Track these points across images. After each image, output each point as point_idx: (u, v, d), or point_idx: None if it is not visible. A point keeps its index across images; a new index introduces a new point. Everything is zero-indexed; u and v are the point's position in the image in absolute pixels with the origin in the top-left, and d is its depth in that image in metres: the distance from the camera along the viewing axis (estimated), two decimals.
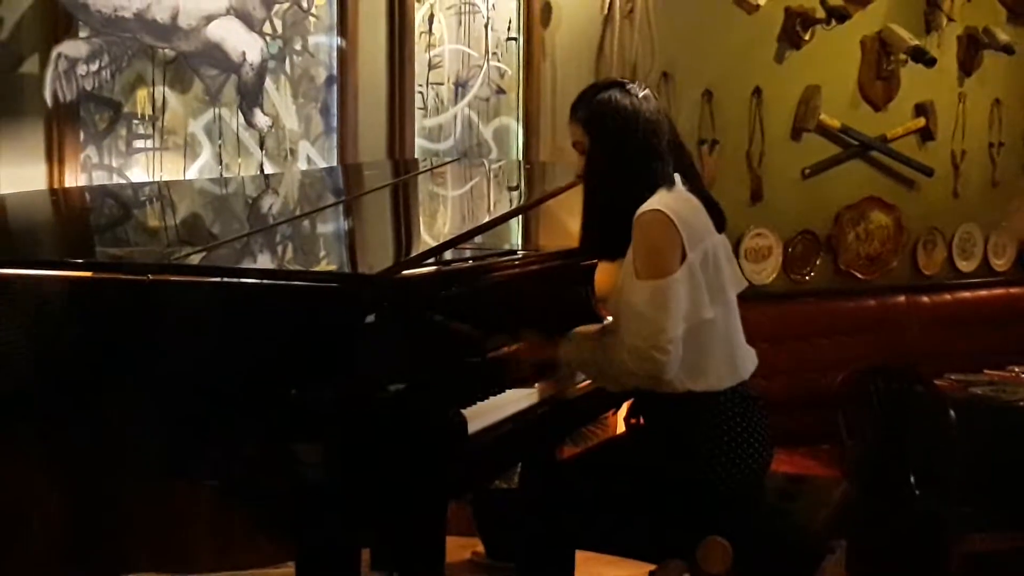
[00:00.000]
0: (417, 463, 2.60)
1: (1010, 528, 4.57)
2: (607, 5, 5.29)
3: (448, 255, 3.42)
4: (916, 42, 6.12)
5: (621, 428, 4.46)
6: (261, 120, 4.42)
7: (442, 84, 4.97)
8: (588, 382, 3.39)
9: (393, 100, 4.75)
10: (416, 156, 4.81)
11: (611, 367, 3.13)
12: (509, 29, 5.14)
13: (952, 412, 4.70)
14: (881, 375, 5.02)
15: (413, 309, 2.94)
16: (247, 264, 3.12)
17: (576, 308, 3.83)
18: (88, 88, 4.02)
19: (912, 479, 4.69)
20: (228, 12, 4.25)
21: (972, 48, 6.54)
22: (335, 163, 4.65)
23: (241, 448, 2.65)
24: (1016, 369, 5.46)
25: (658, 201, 3.10)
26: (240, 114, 4.39)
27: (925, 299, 6.19)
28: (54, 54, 3.93)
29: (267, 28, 4.43)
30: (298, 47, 4.56)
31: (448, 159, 4.83)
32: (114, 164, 4.16)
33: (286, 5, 4.48)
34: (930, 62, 6.11)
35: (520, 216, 4.69)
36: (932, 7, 6.36)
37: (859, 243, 6.26)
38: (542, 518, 3.28)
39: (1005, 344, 5.88)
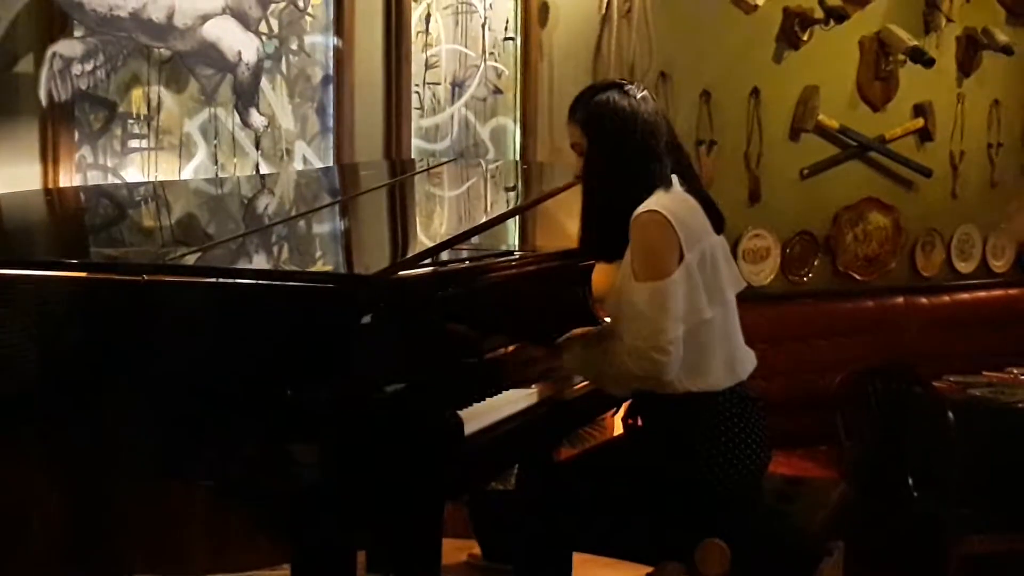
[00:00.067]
0: (413, 464, 2.59)
1: (1008, 530, 4.57)
2: (605, 5, 5.28)
3: (445, 256, 3.42)
4: (915, 42, 6.12)
5: (619, 430, 4.46)
6: (257, 120, 4.40)
7: (439, 84, 4.96)
8: (586, 383, 3.38)
9: (390, 100, 4.74)
10: (413, 156, 4.80)
11: (612, 369, 3.13)
12: (506, 29, 5.13)
13: (950, 413, 4.69)
14: (879, 376, 5.02)
15: (409, 310, 2.93)
16: (243, 264, 3.11)
17: (573, 309, 3.82)
18: (83, 88, 4.00)
19: (910, 481, 4.68)
20: (224, 11, 4.23)
21: (971, 49, 6.54)
22: (331, 163, 4.64)
23: (237, 449, 2.64)
24: (1015, 371, 5.45)
25: (655, 202, 3.10)
26: (236, 114, 4.37)
27: (923, 300, 6.18)
28: (49, 53, 3.91)
29: (263, 27, 4.42)
30: (294, 47, 4.55)
31: (445, 159, 4.82)
32: (109, 164, 4.14)
33: (282, 4, 4.46)
34: (929, 63, 6.11)
35: (517, 217, 4.69)
36: (931, 8, 6.36)
37: (857, 244, 6.25)
38: (539, 520, 3.27)
39: (1004, 345, 5.88)
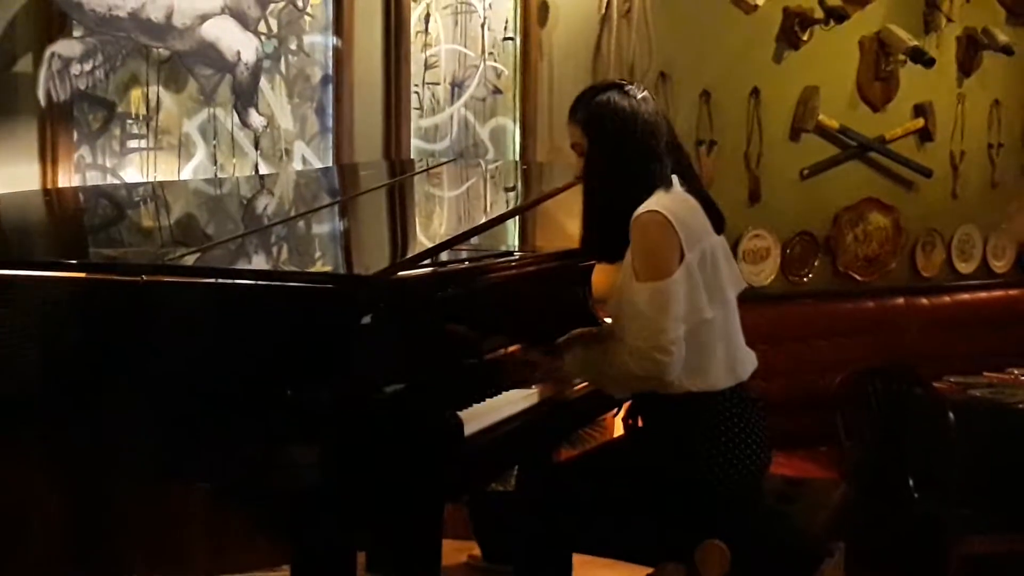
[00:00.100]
0: (413, 465, 2.58)
1: (1009, 530, 4.56)
2: (604, 5, 5.28)
3: (444, 256, 3.42)
4: (915, 43, 6.11)
5: (619, 430, 4.46)
6: (256, 120, 4.40)
7: (438, 84, 4.96)
8: (586, 384, 3.38)
9: (389, 100, 4.74)
10: (412, 156, 4.79)
11: (613, 371, 3.13)
12: (506, 29, 5.12)
13: (951, 414, 4.68)
14: (880, 377, 5.01)
15: (409, 310, 2.93)
16: (242, 265, 3.11)
17: (573, 309, 3.82)
18: (82, 88, 4.00)
19: (911, 481, 4.68)
20: (223, 11, 4.23)
21: (971, 49, 6.53)
22: (330, 163, 4.64)
23: (237, 449, 2.64)
24: (1015, 371, 5.44)
25: (655, 202, 3.10)
26: (235, 114, 4.37)
27: (924, 301, 6.18)
28: (48, 53, 3.91)
29: (262, 27, 4.42)
30: (293, 46, 4.55)
31: (444, 159, 4.81)
32: (108, 164, 4.14)
33: (281, 4, 4.46)
34: (929, 63, 6.10)
35: (517, 217, 4.68)
36: (931, 8, 6.35)
37: (858, 244, 6.24)
38: (539, 521, 3.27)
39: (1004, 346, 5.87)
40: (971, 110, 6.61)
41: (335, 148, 4.65)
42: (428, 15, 4.89)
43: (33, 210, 3.81)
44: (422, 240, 3.66)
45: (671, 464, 3.17)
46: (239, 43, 4.28)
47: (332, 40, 4.62)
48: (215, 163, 4.36)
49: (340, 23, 4.60)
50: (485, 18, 5.06)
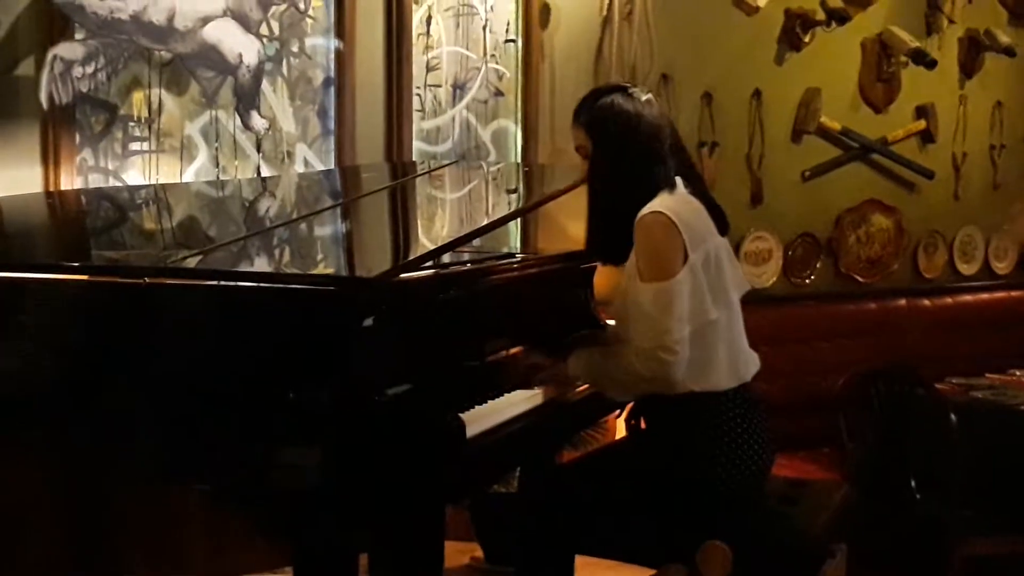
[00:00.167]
0: (415, 467, 2.58)
1: (1011, 532, 4.56)
2: (606, 7, 5.28)
3: (446, 258, 3.42)
4: (917, 44, 6.11)
5: (621, 432, 4.45)
6: (258, 122, 4.40)
7: (440, 86, 4.96)
8: (587, 385, 3.37)
9: (391, 102, 4.74)
10: (414, 158, 4.80)
11: (618, 373, 3.13)
12: (507, 31, 5.12)
13: (953, 416, 4.68)
14: (882, 378, 5.01)
15: (411, 312, 2.93)
16: (244, 267, 3.11)
17: (575, 311, 3.83)
18: (84, 90, 4.00)
19: (913, 483, 4.68)
20: (224, 14, 4.23)
21: (973, 50, 6.53)
22: (332, 165, 4.64)
23: (239, 451, 2.64)
24: (1017, 372, 5.44)
25: (659, 203, 3.11)
26: (237, 116, 4.37)
27: (926, 302, 6.17)
28: (50, 56, 3.91)
29: (264, 30, 4.42)
30: (295, 49, 4.55)
31: (446, 161, 4.82)
32: (110, 167, 4.14)
33: (283, 7, 4.46)
34: (931, 64, 6.10)
35: (519, 219, 4.68)
36: (933, 9, 6.35)
37: (860, 246, 6.24)
38: (541, 522, 3.27)
39: (1006, 347, 5.86)
40: (973, 112, 6.61)
41: (337, 150, 4.66)
42: (430, 17, 4.89)
43: (35, 213, 3.81)
44: (424, 242, 3.66)
45: (673, 465, 3.17)
46: (241, 45, 4.28)
47: (334, 42, 4.62)
48: (217, 165, 4.37)
49: (342, 25, 4.60)
50: (487, 20, 5.06)
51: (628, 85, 3.32)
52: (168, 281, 2.81)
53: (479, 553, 4.49)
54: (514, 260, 3.78)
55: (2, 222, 3.67)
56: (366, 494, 2.58)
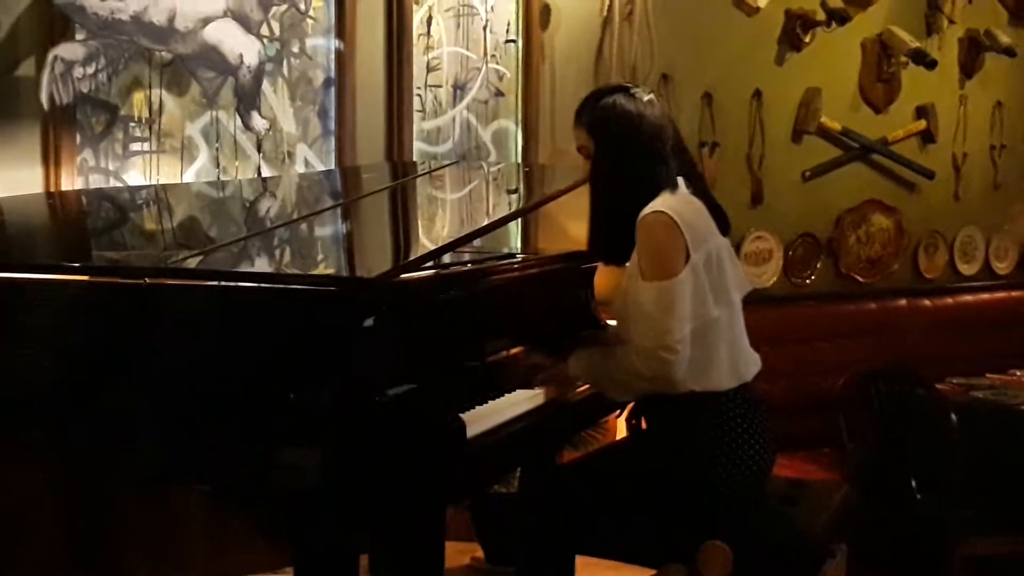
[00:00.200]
0: (415, 467, 2.58)
1: (1012, 532, 4.56)
2: (606, 7, 5.28)
3: (447, 258, 3.42)
4: (917, 44, 6.11)
5: (622, 432, 4.45)
6: (258, 123, 4.40)
7: (440, 87, 4.96)
8: (588, 385, 3.37)
9: (391, 102, 4.74)
10: (414, 159, 4.80)
11: (619, 373, 3.13)
12: (508, 31, 5.13)
13: (953, 416, 4.68)
14: (882, 378, 5.01)
15: (411, 313, 2.93)
16: (244, 268, 3.12)
17: (576, 311, 3.83)
18: (84, 91, 4.01)
19: (913, 483, 4.68)
20: (225, 14, 4.23)
21: (973, 50, 6.53)
22: (333, 166, 4.64)
23: (239, 451, 2.64)
24: (1018, 372, 5.44)
25: (661, 203, 3.11)
26: (237, 117, 4.37)
27: (926, 302, 6.17)
28: (50, 57, 3.91)
29: (264, 30, 4.42)
30: (296, 49, 4.55)
31: (447, 162, 4.82)
32: (111, 167, 4.14)
33: (283, 7, 4.47)
34: (931, 64, 6.10)
35: (519, 219, 4.68)
36: (933, 9, 6.35)
37: (860, 246, 6.24)
38: (542, 523, 3.27)
39: (1007, 347, 5.86)
40: (973, 112, 6.61)
41: (337, 151, 4.66)
42: (430, 18, 4.89)
43: (36, 213, 3.81)
44: (424, 242, 3.66)
45: (674, 465, 3.17)
46: (241, 46, 4.28)
47: (334, 43, 4.62)
48: (218, 166, 4.37)
49: (342, 26, 4.61)
50: (487, 21, 5.06)
51: (630, 85, 3.32)
52: (169, 281, 2.81)
53: (480, 553, 4.49)
54: (515, 260, 3.79)
55: (3, 222, 3.68)
56: (366, 494, 2.58)
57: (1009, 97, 6.75)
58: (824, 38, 5.95)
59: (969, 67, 6.56)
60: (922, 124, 6.40)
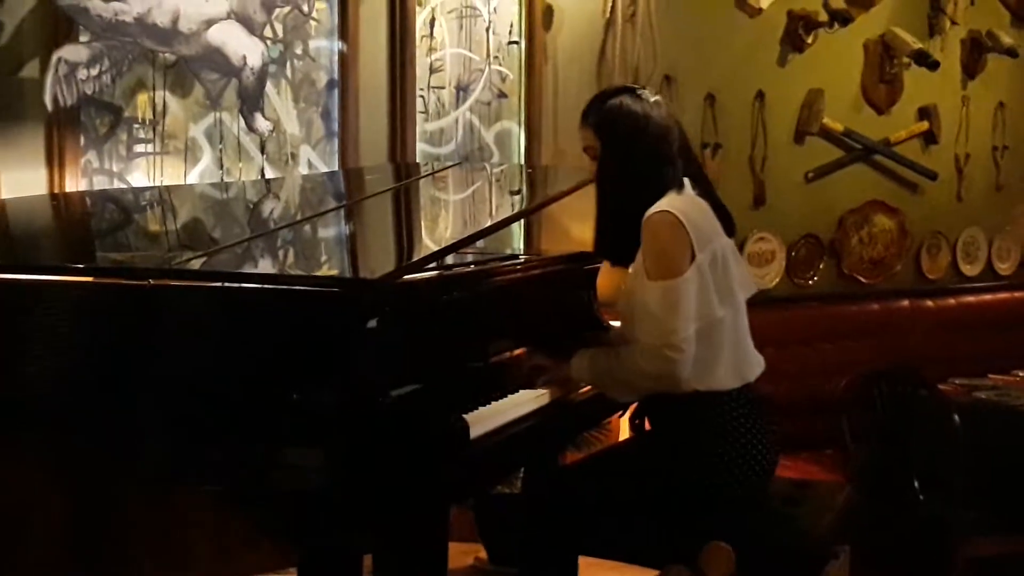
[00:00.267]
0: (419, 468, 2.59)
1: (1014, 532, 4.55)
2: (609, 8, 5.28)
3: (450, 259, 3.42)
4: (919, 45, 6.12)
5: (624, 434, 4.46)
6: (262, 124, 4.41)
7: (443, 88, 4.97)
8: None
9: (394, 104, 4.75)
10: (417, 160, 4.80)
11: (623, 373, 3.14)
12: (511, 33, 5.13)
13: (956, 416, 4.67)
14: (885, 379, 5.01)
15: (414, 314, 2.93)
16: (248, 269, 3.12)
17: (578, 312, 3.83)
18: (88, 92, 4.01)
19: (916, 483, 4.67)
20: (229, 16, 4.24)
21: (976, 51, 6.53)
22: (336, 167, 4.65)
23: (243, 452, 2.64)
24: (1020, 373, 5.44)
25: (667, 203, 3.12)
26: (241, 118, 4.38)
27: (929, 303, 6.17)
28: (54, 58, 3.92)
29: (268, 32, 4.43)
30: (299, 51, 4.56)
31: (449, 163, 4.82)
32: (115, 169, 4.15)
33: (287, 9, 4.47)
34: (933, 65, 6.10)
35: (522, 220, 4.69)
36: (935, 10, 6.35)
37: (862, 247, 6.24)
38: (545, 523, 3.27)
39: (1009, 348, 5.86)
40: (976, 113, 6.61)
41: (341, 152, 4.66)
42: (433, 19, 4.90)
43: (40, 215, 3.82)
44: (427, 244, 3.67)
45: (677, 466, 3.17)
46: (245, 48, 4.29)
47: (337, 45, 4.63)
48: (221, 167, 4.37)
49: (345, 28, 4.61)
50: (490, 22, 5.07)
51: (636, 87, 3.33)
52: (173, 283, 2.81)
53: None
54: (517, 261, 3.79)
55: (7, 224, 3.68)
56: (370, 495, 2.58)
57: (1011, 98, 6.75)
58: (826, 39, 5.95)
59: (971, 68, 6.56)
60: (924, 125, 6.40)
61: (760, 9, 5.68)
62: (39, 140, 3.96)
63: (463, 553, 4.48)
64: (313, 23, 4.58)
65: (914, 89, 6.32)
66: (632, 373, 3.11)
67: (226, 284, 2.76)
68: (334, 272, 3.37)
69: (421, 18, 4.84)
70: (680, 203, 3.14)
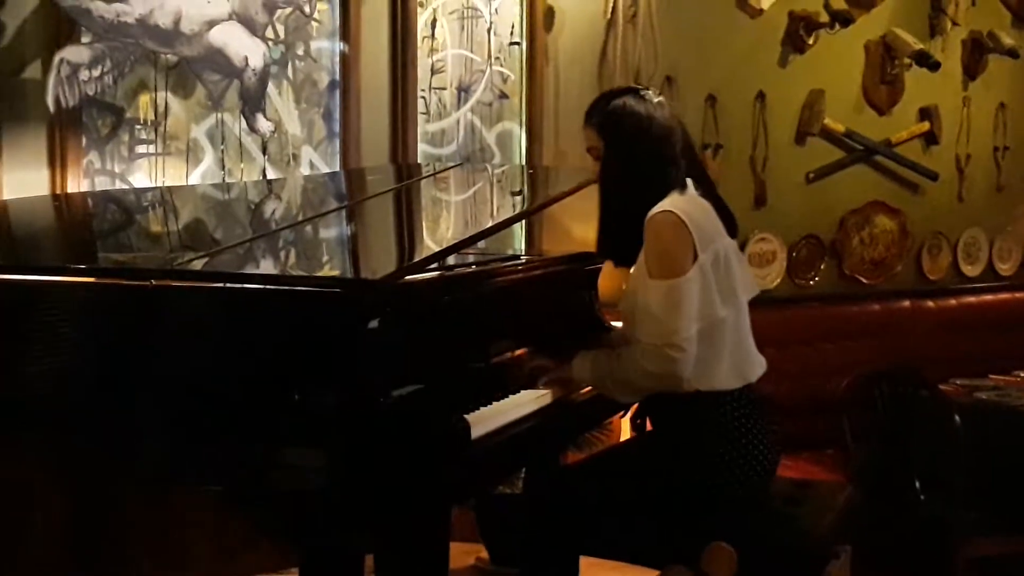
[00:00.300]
0: (420, 469, 2.59)
1: (1015, 532, 4.56)
2: (610, 9, 5.29)
3: (451, 260, 3.43)
4: (920, 46, 6.12)
5: (626, 434, 4.46)
6: (264, 125, 4.41)
7: (445, 89, 4.97)
8: None
9: (396, 105, 4.75)
10: (419, 161, 4.80)
11: (625, 372, 3.14)
12: (512, 34, 5.13)
13: (957, 417, 4.68)
14: (886, 380, 5.01)
15: (416, 314, 2.94)
16: (250, 269, 3.12)
17: (580, 313, 3.83)
18: (90, 93, 4.02)
19: (917, 483, 4.68)
20: (230, 17, 4.25)
21: (977, 52, 6.53)
22: (338, 168, 4.65)
23: (244, 453, 2.64)
24: (1021, 374, 5.44)
25: (670, 203, 3.13)
26: (242, 119, 4.39)
27: (930, 303, 6.17)
28: (56, 59, 3.93)
29: (269, 33, 4.43)
30: (300, 52, 4.56)
31: (451, 164, 4.82)
32: (116, 169, 4.15)
33: (288, 10, 4.48)
34: (934, 66, 6.11)
35: (523, 221, 4.69)
36: (936, 11, 6.35)
37: (864, 247, 6.25)
38: (546, 524, 3.27)
39: (1010, 348, 5.86)
40: (976, 113, 6.61)
41: (342, 153, 4.67)
42: (435, 20, 4.90)
43: (42, 215, 3.82)
44: (429, 244, 3.67)
45: (678, 466, 3.18)
46: (247, 49, 4.30)
47: (339, 45, 4.64)
48: (223, 168, 4.38)
49: (347, 29, 4.62)
50: (491, 23, 5.07)
51: (640, 87, 3.34)
52: (174, 283, 2.81)
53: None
54: (519, 262, 3.79)
55: (9, 225, 3.69)
56: (371, 495, 2.58)
57: (1012, 99, 6.75)
58: (827, 40, 5.95)
59: (972, 69, 6.56)
60: (925, 126, 6.40)
61: (761, 10, 5.69)
62: (41, 141, 3.96)
63: (464, 553, 4.49)
64: (315, 24, 4.58)
65: (915, 90, 6.32)
66: (634, 373, 3.11)
67: (228, 284, 2.76)
68: (335, 273, 3.37)
69: (422, 19, 4.84)
70: (683, 203, 3.14)
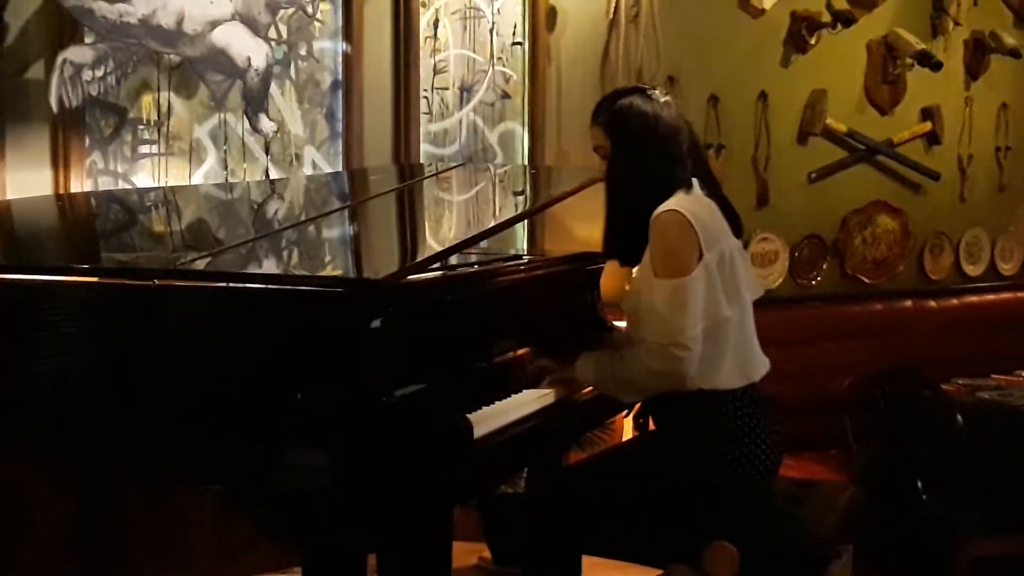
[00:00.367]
0: (422, 468, 2.59)
1: (1017, 532, 4.55)
2: (612, 9, 5.29)
3: (454, 260, 3.43)
4: (922, 46, 6.11)
5: (628, 433, 4.46)
6: (266, 125, 4.42)
7: (447, 89, 4.97)
8: None
9: (398, 105, 4.76)
10: (421, 161, 4.81)
11: (629, 372, 3.14)
12: (514, 34, 5.14)
13: (959, 416, 4.67)
14: (888, 379, 5.00)
15: (418, 314, 2.94)
16: (252, 269, 3.12)
17: (582, 313, 3.83)
18: (93, 94, 4.02)
19: (919, 483, 4.67)
20: (233, 18, 4.25)
21: (979, 52, 6.53)
22: (340, 168, 4.65)
23: (247, 452, 2.65)
24: (1023, 373, 5.44)
25: (675, 202, 3.14)
26: (245, 119, 4.39)
27: (932, 303, 6.17)
28: (59, 60, 3.93)
29: (272, 33, 4.44)
30: (303, 52, 4.57)
31: (453, 164, 4.82)
32: (119, 170, 4.16)
33: (291, 10, 4.48)
34: (936, 66, 6.11)
35: (526, 221, 4.69)
36: (939, 11, 6.35)
37: (866, 247, 6.25)
38: (549, 523, 3.27)
39: (1012, 348, 5.86)
40: (978, 113, 6.61)
41: (345, 153, 4.67)
42: (437, 20, 4.91)
43: (45, 215, 3.83)
44: (431, 244, 3.68)
45: (681, 465, 3.18)
46: (249, 49, 4.30)
47: (342, 46, 4.64)
48: (226, 168, 4.38)
49: (350, 29, 4.62)
50: (494, 23, 5.07)
51: (646, 87, 3.35)
52: (177, 283, 2.81)
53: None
54: (521, 262, 3.80)
55: (13, 225, 3.69)
56: (374, 495, 2.59)
57: (1014, 99, 6.75)
58: (829, 40, 5.95)
59: (974, 69, 6.56)
60: (927, 126, 6.40)
61: (763, 10, 5.69)
62: (44, 141, 3.97)
63: (467, 553, 4.49)
64: (317, 24, 4.59)
65: (917, 90, 6.32)
66: (638, 372, 3.11)
67: (230, 284, 2.77)
68: (338, 272, 3.37)
69: (425, 19, 4.85)
70: (688, 203, 3.15)
